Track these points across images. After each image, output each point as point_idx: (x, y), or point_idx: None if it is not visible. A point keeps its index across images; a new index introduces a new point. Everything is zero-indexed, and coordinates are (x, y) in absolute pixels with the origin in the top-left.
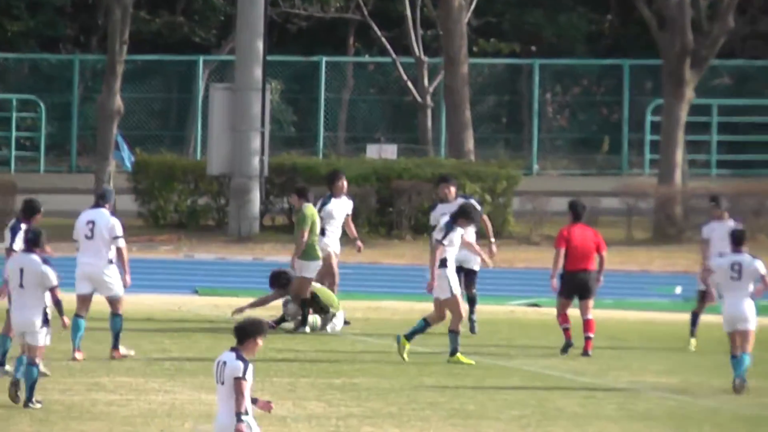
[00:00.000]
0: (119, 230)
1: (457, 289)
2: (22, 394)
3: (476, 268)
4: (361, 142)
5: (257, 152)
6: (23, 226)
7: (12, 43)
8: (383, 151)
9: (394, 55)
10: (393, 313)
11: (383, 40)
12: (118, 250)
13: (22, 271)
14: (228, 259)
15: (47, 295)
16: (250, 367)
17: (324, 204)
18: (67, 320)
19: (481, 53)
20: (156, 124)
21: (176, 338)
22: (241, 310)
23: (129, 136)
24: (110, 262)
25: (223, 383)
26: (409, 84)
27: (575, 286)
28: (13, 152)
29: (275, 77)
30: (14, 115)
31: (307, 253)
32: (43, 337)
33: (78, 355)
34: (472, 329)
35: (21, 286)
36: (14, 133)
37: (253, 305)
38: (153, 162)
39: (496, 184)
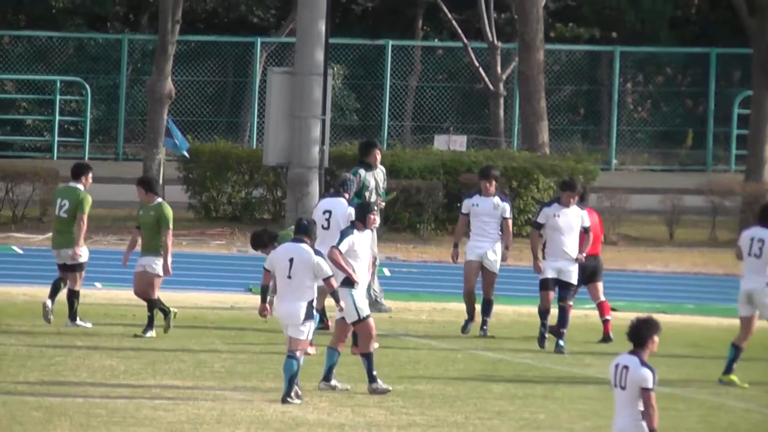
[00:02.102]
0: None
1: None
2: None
3: (573, 281)
4: (428, 132)
5: (317, 141)
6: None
7: (57, 20)
8: (452, 142)
9: (465, 40)
10: (459, 315)
11: (454, 23)
12: None
13: (291, 261)
14: None
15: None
16: (656, 374)
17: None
18: (343, 304)
19: (559, 39)
20: (209, 109)
21: (228, 339)
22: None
23: (180, 122)
24: None
25: (624, 388)
26: (481, 71)
27: (585, 271)
28: (56, 138)
29: (338, 61)
30: (58, 97)
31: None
32: (306, 331)
33: (311, 350)
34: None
35: (289, 277)
36: (57, 117)
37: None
38: (205, 150)
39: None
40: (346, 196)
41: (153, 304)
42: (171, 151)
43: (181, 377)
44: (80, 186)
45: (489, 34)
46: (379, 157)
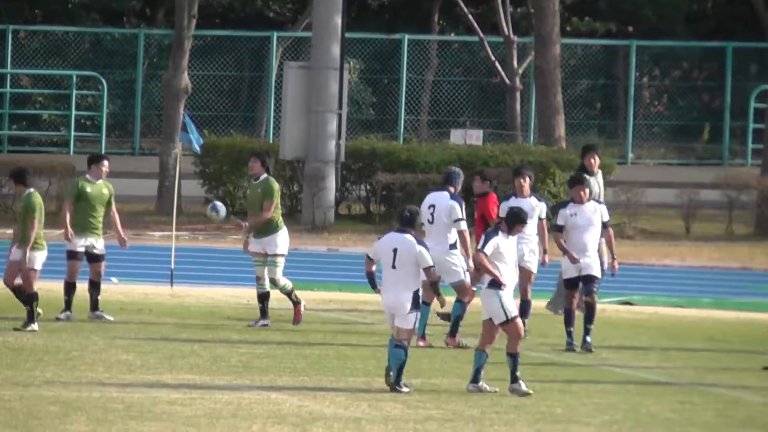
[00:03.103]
0: (460, 212)
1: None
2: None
3: (595, 273)
4: (444, 126)
5: (333, 136)
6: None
7: (73, 15)
8: (468, 137)
9: (481, 34)
10: (476, 309)
11: (470, 17)
12: (460, 233)
13: (395, 251)
14: (301, 249)
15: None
16: None
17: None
18: (444, 299)
19: (575, 33)
20: (225, 104)
21: (244, 333)
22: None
23: (196, 117)
24: (452, 246)
25: None
26: (497, 65)
27: None
28: (73, 132)
29: (354, 56)
30: (74, 92)
31: (274, 226)
32: (413, 320)
33: (421, 343)
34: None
35: (393, 267)
36: (74, 112)
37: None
38: (222, 145)
39: None
40: (451, 189)
41: (28, 297)
42: (187, 146)
43: (197, 372)
44: (89, 176)
45: (505, 29)
46: (594, 161)
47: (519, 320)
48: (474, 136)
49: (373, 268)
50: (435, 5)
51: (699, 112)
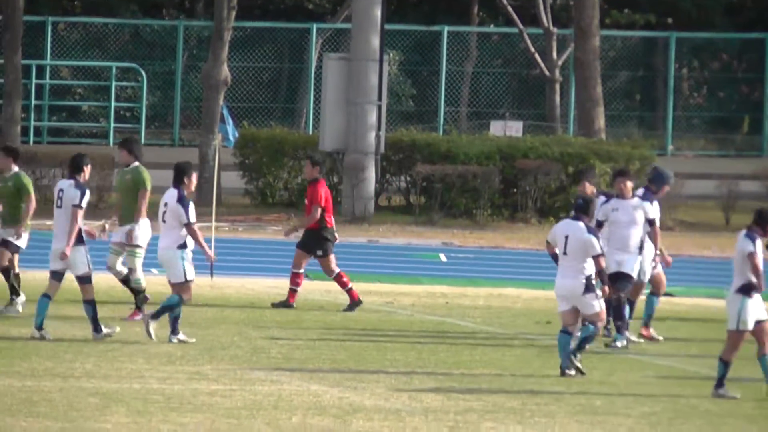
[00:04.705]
0: (654, 213)
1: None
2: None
3: (629, 271)
4: (484, 117)
5: (373, 127)
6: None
7: (112, 7)
8: (508, 128)
9: (520, 26)
10: (515, 301)
11: (509, 9)
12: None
13: (567, 237)
14: (340, 241)
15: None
16: None
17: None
18: (607, 289)
19: (614, 25)
20: (265, 95)
21: (284, 325)
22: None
23: (236, 108)
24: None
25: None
26: (537, 56)
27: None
28: (112, 124)
29: (393, 47)
30: (114, 84)
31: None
32: (592, 303)
33: (645, 332)
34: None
35: (564, 253)
36: (113, 104)
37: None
38: (261, 136)
39: (628, 164)
40: (661, 189)
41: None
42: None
43: (238, 363)
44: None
45: (545, 20)
46: (624, 186)
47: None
48: (514, 128)
49: (556, 250)
50: None
51: (738, 104)
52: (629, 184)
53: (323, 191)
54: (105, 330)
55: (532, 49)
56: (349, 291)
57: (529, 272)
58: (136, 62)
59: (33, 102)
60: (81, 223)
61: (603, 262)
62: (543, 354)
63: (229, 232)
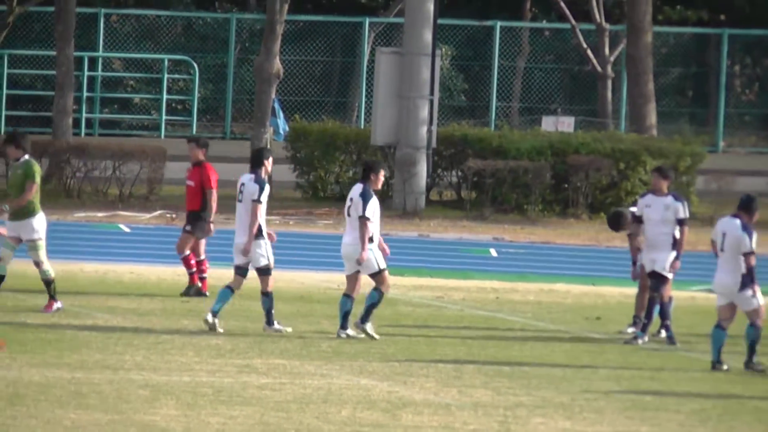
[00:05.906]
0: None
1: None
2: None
3: (662, 271)
4: (536, 113)
5: (425, 122)
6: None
7: (165, 0)
8: (560, 124)
9: (573, 21)
10: (565, 296)
11: (562, 4)
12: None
13: (724, 235)
14: (392, 235)
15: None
16: None
17: None
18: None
19: (667, 21)
20: (317, 89)
21: (335, 319)
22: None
23: (288, 102)
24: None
25: None
26: (589, 52)
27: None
28: (164, 116)
29: (446, 42)
30: (165, 76)
31: (30, 210)
32: (750, 299)
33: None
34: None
35: (722, 249)
36: (165, 96)
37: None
38: (313, 130)
39: (679, 161)
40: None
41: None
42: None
43: (287, 356)
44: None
45: (597, 16)
46: (658, 183)
47: None
48: (565, 124)
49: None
50: None
51: None
52: (664, 182)
53: (214, 176)
54: (277, 326)
55: (585, 45)
56: (192, 275)
57: (579, 268)
58: (188, 55)
59: (85, 94)
60: (261, 217)
61: (753, 260)
62: (592, 350)
63: (280, 225)
